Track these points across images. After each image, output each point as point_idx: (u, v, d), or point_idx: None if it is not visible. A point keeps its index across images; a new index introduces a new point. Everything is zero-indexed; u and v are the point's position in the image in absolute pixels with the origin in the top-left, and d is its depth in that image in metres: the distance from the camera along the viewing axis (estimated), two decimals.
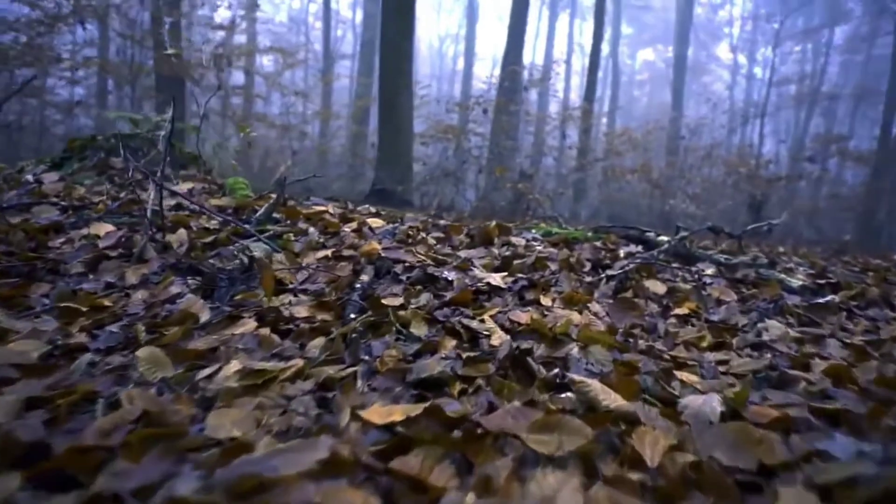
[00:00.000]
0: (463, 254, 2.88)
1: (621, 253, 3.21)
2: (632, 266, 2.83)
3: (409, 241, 3.07)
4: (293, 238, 2.69)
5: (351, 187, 15.16)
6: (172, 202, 3.18)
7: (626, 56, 36.57)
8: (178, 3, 13.04)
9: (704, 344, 2.01)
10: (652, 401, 1.43)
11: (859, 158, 16.71)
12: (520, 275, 2.58)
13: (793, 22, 28.78)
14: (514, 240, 3.32)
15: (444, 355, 1.69)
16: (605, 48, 26.94)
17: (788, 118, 28.69)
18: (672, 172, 16.62)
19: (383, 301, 2.08)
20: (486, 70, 15.45)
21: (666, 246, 3.33)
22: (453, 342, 1.79)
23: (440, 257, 2.71)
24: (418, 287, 2.32)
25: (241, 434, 1.18)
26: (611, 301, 2.44)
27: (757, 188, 12.22)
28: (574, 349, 1.75)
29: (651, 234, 3.81)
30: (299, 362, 1.53)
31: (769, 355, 1.89)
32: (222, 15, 14.23)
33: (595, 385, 1.40)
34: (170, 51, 10.08)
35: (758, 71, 31.15)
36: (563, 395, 1.42)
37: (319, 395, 1.40)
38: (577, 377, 1.44)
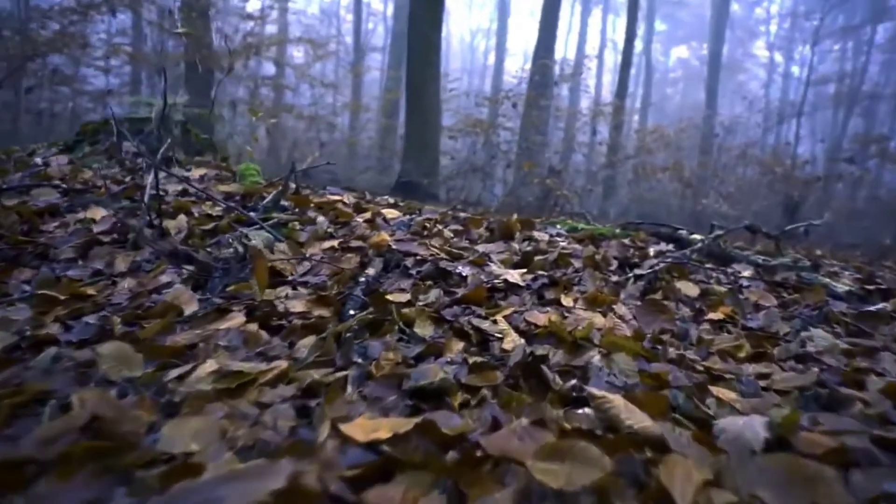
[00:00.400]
0: (481, 248, 2.69)
1: (651, 251, 2.99)
2: (662, 265, 2.61)
3: (425, 233, 2.89)
4: (298, 227, 2.52)
5: (379, 180, 15.03)
6: (179, 188, 3.04)
7: (659, 53, 35.92)
8: None
9: (742, 354, 1.79)
10: (683, 421, 1.23)
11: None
12: (540, 272, 2.39)
13: (833, 19, 27.94)
14: (536, 235, 3.12)
15: (449, 359, 1.51)
16: (638, 45, 26.44)
17: (826, 118, 27.88)
18: (704, 172, 16.20)
19: (388, 297, 1.90)
20: (517, 65, 15.17)
21: (699, 245, 3.09)
22: (461, 345, 1.61)
23: (456, 251, 2.52)
24: (428, 282, 2.13)
25: (200, 448, 1.01)
26: (638, 303, 2.23)
27: (793, 189, 11.79)
28: (595, 357, 1.55)
29: (683, 232, 3.58)
30: (284, 364, 1.35)
31: (816, 369, 1.67)
32: (253, 5, 14.15)
33: (617, 401, 1.21)
34: (180, 30, 10.00)
35: (795, 70, 30.35)
36: (580, 412, 1.23)
37: (301, 402, 1.22)
38: (596, 391, 1.24)
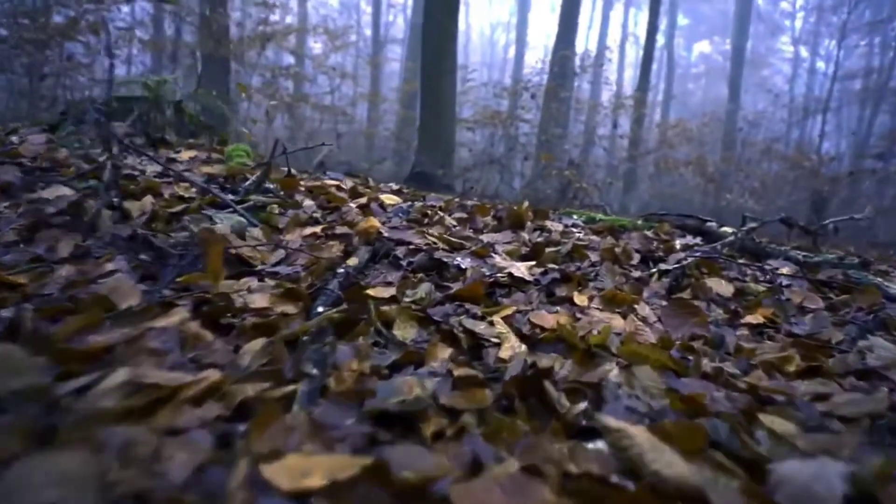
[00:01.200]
0: (486, 238, 2.38)
1: (677, 244, 2.65)
2: (690, 260, 2.28)
3: (426, 221, 2.58)
4: (278, 211, 2.23)
5: (396, 171, 14.75)
6: (160, 169, 2.76)
7: (681, 48, 35.21)
8: None
9: (791, 367, 1.47)
10: (728, 464, 0.91)
11: None
12: (551, 265, 2.07)
13: (859, 14, 27.12)
14: (549, 224, 2.80)
15: (430, 370, 1.21)
16: (660, 39, 25.86)
17: (852, 115, 27.11)
18: (727, 167, 15.73)
19: (369, 291, 1.60)
20: (538, 58, 14.78)
21: (731, 238, 2.76)
22: (448, 352, 1.31)
23: (457, 241, 2.22)
24: (420, 275, 1.83)
25: (54, 501, 0.72)
26: (664, 303, 1.91)
27: (821, 185, 11.31)
28: (613, 370, 1.24)
29: (712, 225, 3.24)
30: (216, 375, 1.06)
31: (885, 389, 1.35)
32: None
33: (640, 436, 0.90)
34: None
35: (821, 65, 29.52)
36: (590, 446, 0.92)
37: (226, 427, 0.92)
38: (613, 422, 0.93)
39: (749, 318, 1.86)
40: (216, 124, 4.32)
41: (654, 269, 2.22)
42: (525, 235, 2.44)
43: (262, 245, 1.88)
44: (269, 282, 1.68)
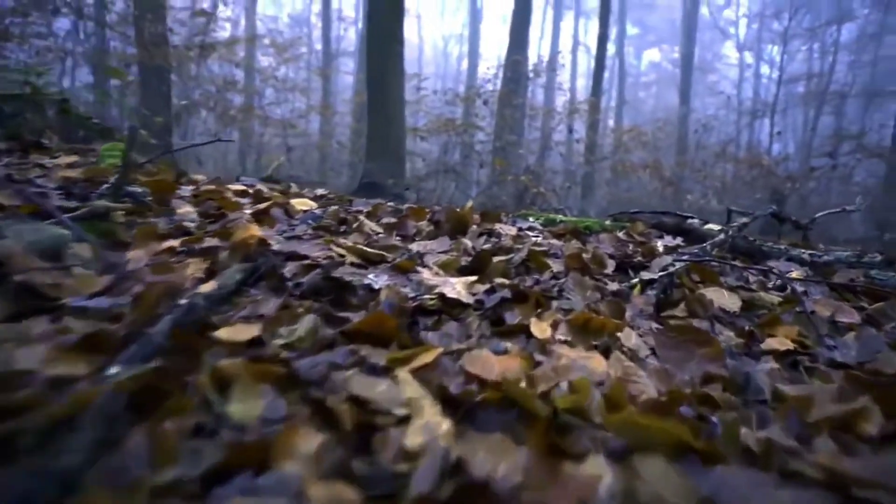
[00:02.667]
0: (416, 246, 1.81)
1: (658, 246, 2.11)
2: (679, 266, 1.75)
3: (342, 228, 2.00)
4: (122, 220, 1.62)
5: (350, 184, 14.13)
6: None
7: (631, 56, 35.33)
8: None
9: (871, 426, 0.93)
10: None
11: (879, 154, 15.42)
12: (500, 280, 1.51)
13: (799, 21, 27.52)
14: (500, 228, 2.24)
15: (277, 479, 0.64)
16: (611, 48, 25.78)
17: (796, 117, 27.45)
18: (682, 171, 15.50)
19: (220, 333, 1.02)
20: (489, 65, 14.35)
21: (721, 237, 2.24)
22: (315, 441, 0.73)
23: (376, 252, 1.64)
24: (308, 302, 1.25)
25: None
26: (655, 326, 1.36)
27: (778, 184, 11.06)
28: (604, 475, 0.68)
29: (695, 221, 2.72)
30: None
31: None
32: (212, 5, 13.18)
33: None
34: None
35: (765, 69, 29.85)
36: None
37: None
38: None
39: (772, 343, 1.32)
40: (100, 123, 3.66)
41: (634, 280, 1.67)
42: (467, 242, 1.87)
43: (80, 266, 1.27)
44: (73, 321, 1.08)
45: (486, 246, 1.87)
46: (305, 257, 1.49)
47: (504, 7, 25.95)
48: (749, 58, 30.81)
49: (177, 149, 2.54)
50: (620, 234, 2.47)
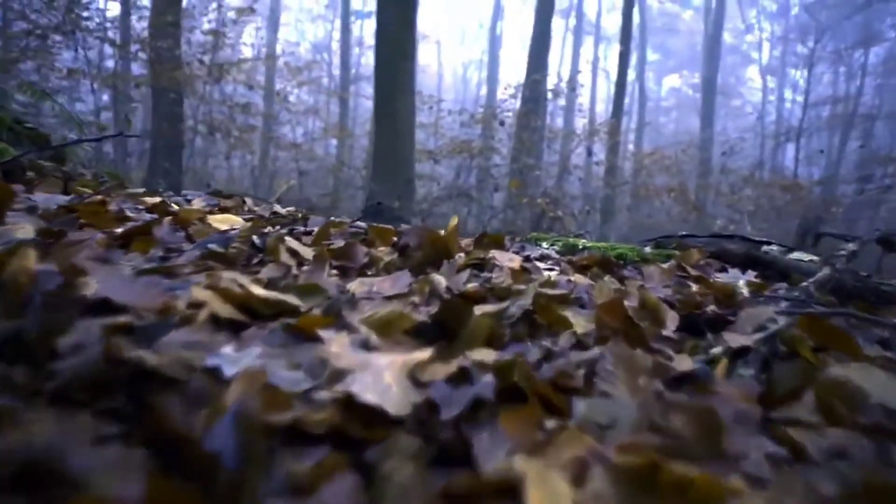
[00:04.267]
0: (357, 286, 1.11)
1: (742, 287, 1.36)
2: (781, 322, 1.03)
3: (257, 258, 1.31)
4: None
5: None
6: None
7: (651, 82, 34.66)
8: (179, 12, 11.62)
9: None
10: None
11: None
12: (479, 356, 0.81)
13: (823, 45, 26.69)
14: (497, 258, 1.52)
15: None
16: (631, 73, 25.14)
17: (821, 141, 26.49)
18: (706, 195, 14.72)
19: None
20: (507, 84, 13.73)
21: (824, 273, 1.51)
22: None
23: (275, 299, 0.95)
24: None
25: None
26: (771, 449, 0.64)
27: (812, 209, 10.24)
28: None
29: (774, 249, 1.98)
30: None
31: None
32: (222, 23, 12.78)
33: None
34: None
35: (788, 94, 28.96)
36: None
37: None
38: None
39: None
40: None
41: (715, 349, 0.95)
42: (439, 281, 1.15)
43: None
44: None
45: (471, 286, 1.16)
46: (124, 310, 0.80)
47: (524, 33, 25.51)
48: (772, 83, 29.99)
49: (62, 144, 1.93)
50: (664, 266, 1.76)
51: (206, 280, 0.96)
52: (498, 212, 9.89)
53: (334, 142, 19.12)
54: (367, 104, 25.50)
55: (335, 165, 16.24)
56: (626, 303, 1.09)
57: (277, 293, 0.97)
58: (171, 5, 11.08)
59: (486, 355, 0.83)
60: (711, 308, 1.11)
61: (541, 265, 1.55)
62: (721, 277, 1.65)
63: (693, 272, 1.66)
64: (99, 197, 1.76)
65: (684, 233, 2.54)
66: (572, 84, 13.20)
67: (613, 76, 19.54)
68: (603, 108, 29.09)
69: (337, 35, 28.21)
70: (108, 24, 11.90)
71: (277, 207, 2.60)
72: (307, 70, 15.69)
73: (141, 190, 2.45)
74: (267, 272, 1.16)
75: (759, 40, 31.05)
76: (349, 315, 0.92)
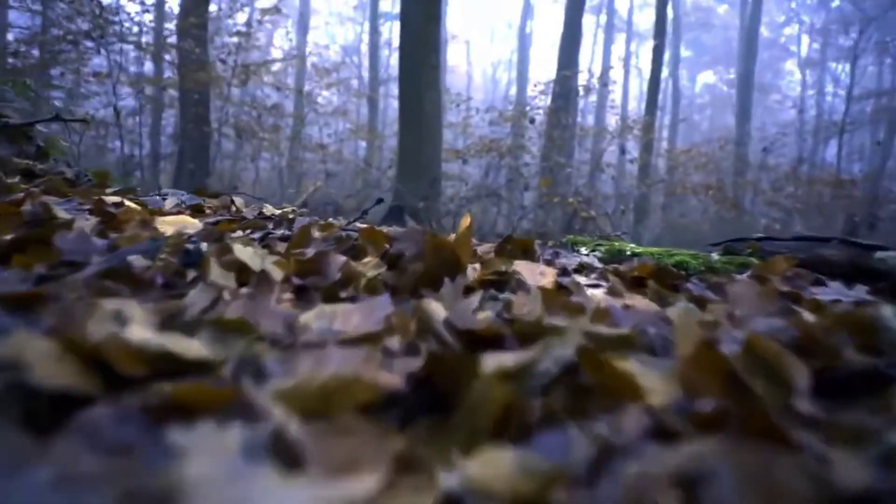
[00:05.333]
0: (315, 318, 0.75)
1: (890, 317, 0.96)
2: None
3: (188, 277, 0.95)
4: None
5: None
6: None
7: (685, 79, 33.72)
8: (206, 14, 11.44)
9: None
10: None
11: None
12: (482, 466, 0.43)
13: (867, 37, 25.54)
14: (524, 271, 1.13)
15: None
16: (664, 71, 24.41)
17: (863, 137, 25.34)
18: (744, 193, 14.06)
19: None
20: (536, 82, 13.26)
21: None
22: None
23: (156, 350, 0.59)
24: None
25: None
26: None
27: (859, 206, 9.59)
28: None
29: (890, 255, 1.55)
30: None
31: None
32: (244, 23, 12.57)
33: None
34: None
35: (830, 88, 27.81)
36: None
37: None
38: None
39: None
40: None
41: (893, 438, 0.56)
42: (433, 311, 0.76)
43: None
44: None
45: (482, 317, 0.78)
46: None
47: (554, 32, 24.99)
48: (811, 77, 28.87)
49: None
50: (743, 278, 1.35)
51: (53, 318, 0.60)
52: (528, 212, 9.44)
53: (364, 144, 18.86)
54: (396, 105, 25.27)
55: (361, 167, 15.99)
56: (714, 341, 0.69)
57: (167, 339, 0.60)
58: (198, 6, 10.91)
59: (496, 464, 0.45)
60: (858, 360, 0.70)
61: (581, 279, 1.16)
62: (819, 293, 1.24)
63: (781, 286, 1.24)
64: (21, 195, 1.43)
65: (760, 235, 2.12)
66: (604, 79, 12.67)
67: (646, 73, 18.91)
68: (635, 107, 28.40)
69: (366, 38, 28.05)
70: (136, 28, 11.77)
71: (269, 207, 2.25)
72: (335, 71, 15.44)
73: (111, 189, 2.12)
74: (193, 298, 0.80)
75: (798, 33, 29.95)
76: (270, 380, 0.55)
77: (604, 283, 1.16)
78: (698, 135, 26.76)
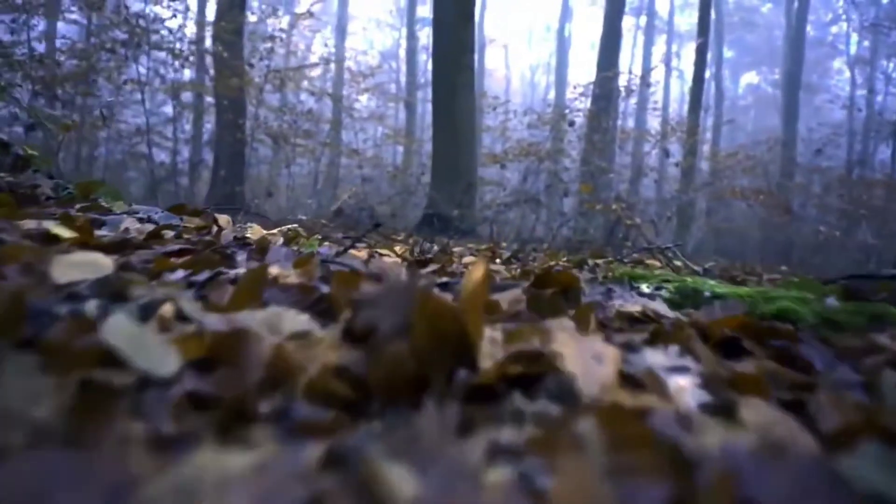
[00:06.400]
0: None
1: None
2: None
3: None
4: None
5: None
6: None
7: (728, 80, 32.58)
8: (241, 19, 11.27)
9: None
10: None
11: None
12: None
13: None
14: (567, 354, 0.72)
15: None
16: (707, 72, 23.51)
17: None
18: (792, 196, 13.26)
19: None
20: (576, 84, 12.75)
21: None
22: None
23: None
24: None
25: None
26: None
27: None
28: None
29: None
30: None
31: None
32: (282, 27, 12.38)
33: None
34: None
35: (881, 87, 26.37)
36: None
37: None
38: None
39: None
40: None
41: None
42: (393, 492, 0.39)
43: None
44: None
45: (490, 497, 0.39)
46: None
47: (593, 34, 24.32)
48: (860, 76, 27.47)
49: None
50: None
51: None
52: (568, 219, 8.94)
53: (401, 149, 18.58)
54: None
55: (396, 172, 15.67)
56: None
57: None
58: (233, 12, 10.74)
59: None
60: None
61: (657, 356, 0.75)
62: None
63: None
64: None
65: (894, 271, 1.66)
66: (646, 80, 12.08)
67: (686, 75, 18.20)
68: (676, 109, 27.47)
69: (404, 43, 27.82)
70: (169, 35, 11.66)
71: (255, 228, 1.89)
72: (371, 75, 15.17)
73: (79, 205, 1.78)
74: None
75: (847, 31, 28.57)
76: None
77: (689, 362, 0.74)
78: (742, 136, 25.71)
